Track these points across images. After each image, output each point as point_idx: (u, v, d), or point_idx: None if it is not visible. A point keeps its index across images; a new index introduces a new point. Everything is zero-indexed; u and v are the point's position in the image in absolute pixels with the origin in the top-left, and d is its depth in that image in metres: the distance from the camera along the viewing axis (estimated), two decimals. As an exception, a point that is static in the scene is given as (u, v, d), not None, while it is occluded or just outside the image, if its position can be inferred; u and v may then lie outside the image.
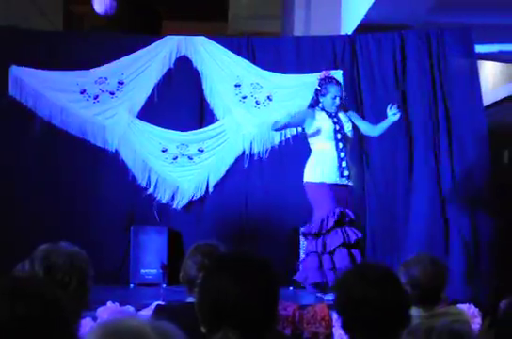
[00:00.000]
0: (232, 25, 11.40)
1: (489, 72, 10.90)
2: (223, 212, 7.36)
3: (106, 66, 7.37)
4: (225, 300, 2.18)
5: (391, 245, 7.17)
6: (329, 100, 6.33)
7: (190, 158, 7.38)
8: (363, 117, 7.34)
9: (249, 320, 2.18)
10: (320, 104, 6.36)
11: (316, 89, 6.39)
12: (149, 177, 7.35)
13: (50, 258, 2.62)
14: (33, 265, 2.61)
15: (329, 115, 6.32)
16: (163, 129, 7.39)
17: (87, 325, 4.66)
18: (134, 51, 7.42)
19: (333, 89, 6.33)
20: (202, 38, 7.56)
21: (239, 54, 7.51)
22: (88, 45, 7.43)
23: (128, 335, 1.47)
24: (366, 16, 7.38)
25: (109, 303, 5.50)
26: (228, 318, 2.17)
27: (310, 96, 7.36)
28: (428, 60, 7.36)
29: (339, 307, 2.73)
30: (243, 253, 2.42)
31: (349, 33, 7.95)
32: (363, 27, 7.66)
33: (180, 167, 7.35)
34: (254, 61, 7.53)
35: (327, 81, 6.38)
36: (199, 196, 7.42)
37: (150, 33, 9.30)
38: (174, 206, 7.39)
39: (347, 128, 6.37)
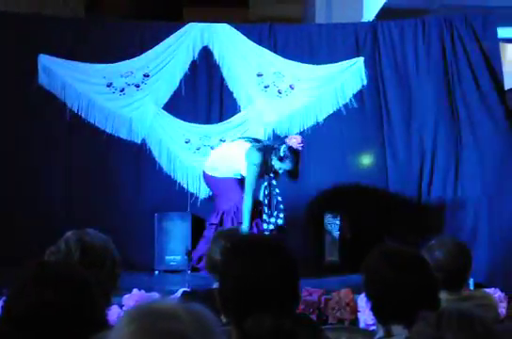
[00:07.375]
0: (254, 11, 11.38)
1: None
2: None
3: (132, 60, 7.36)
4: (245, 287, 2.18)
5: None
6: (277, 166, 6.45)
7: (212, 148, 7.40)
8: (386, 104, 7.34)
9: (273, 304, 2.16)
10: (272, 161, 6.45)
11: (277, 150, 6.41)
12: (174, 166, 7.39)
13: (85, 240, 2.66)
14: (68, 245, 2.64)
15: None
16: (186, 123, 7.42)
17: (113, 312, 4.72)
18: (157, 38, 7.41)
19: (287, 163, 6.43)
20: (225, 25, 7.53)
21: (261, 41, 7.48)
22: (112, 33, 7.43)
23: (162, 316, 1.47)
24: (388, 1, 7.36)
25: (135, 290, 5.50)
26: (254, 304, 2.17)
27: (331, 86, 7.38)
28: (450, 45, 7.33)
29: (368, 291, 2.74)
30: (257, 237, 2.40)
31: (371, 19, 7.91)
32: (384, 12, 7.63)
33: (202, 157, 7.37)
34: (275, 48, 7.51)
35: (291, 153, 6.43)
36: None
37: (171, 20, 9.27)
38: (197, 194, 7.41)
39: None
